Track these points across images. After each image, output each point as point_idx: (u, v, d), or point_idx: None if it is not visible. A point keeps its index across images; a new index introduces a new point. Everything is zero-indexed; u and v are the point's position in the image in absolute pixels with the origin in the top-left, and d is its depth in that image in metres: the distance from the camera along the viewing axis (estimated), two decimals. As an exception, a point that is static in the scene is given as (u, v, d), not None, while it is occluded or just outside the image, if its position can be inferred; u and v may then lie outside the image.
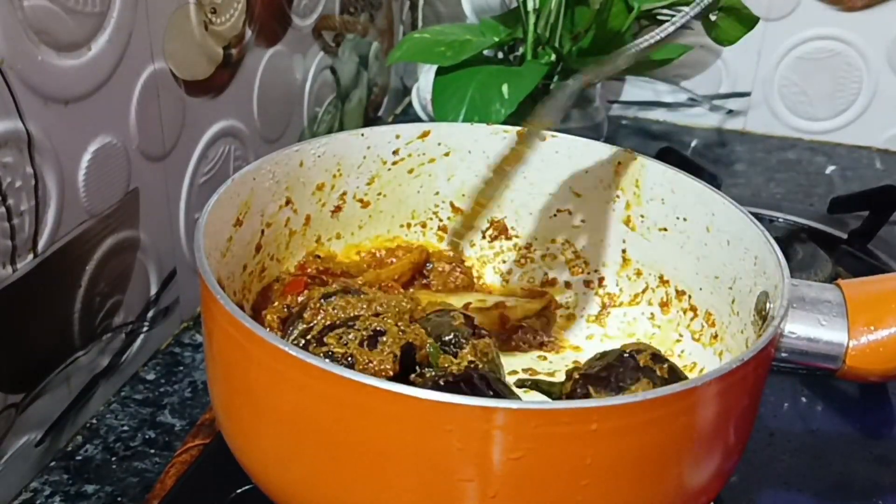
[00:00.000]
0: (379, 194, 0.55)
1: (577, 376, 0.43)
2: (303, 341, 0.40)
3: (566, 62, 0.76)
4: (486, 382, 0.39)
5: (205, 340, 0.40)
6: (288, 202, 0.50)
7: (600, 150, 0.53)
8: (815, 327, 0.39)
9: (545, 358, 0.53)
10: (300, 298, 0.46)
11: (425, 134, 0.54)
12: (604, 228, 0.54)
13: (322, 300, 0.42)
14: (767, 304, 0.40)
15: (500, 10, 0.84)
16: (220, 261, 0.44)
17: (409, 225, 0.56)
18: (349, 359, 0.38)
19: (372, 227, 0.56)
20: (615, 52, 0.47)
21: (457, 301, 0.52)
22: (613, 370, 0.42)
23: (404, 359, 0.39)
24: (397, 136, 0.53)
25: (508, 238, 0.57)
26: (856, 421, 0.57)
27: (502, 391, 0.39)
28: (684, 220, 0.49)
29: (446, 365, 0.40)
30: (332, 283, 0.46)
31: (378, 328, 0.39)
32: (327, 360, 0.33)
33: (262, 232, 0.49)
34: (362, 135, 0.52)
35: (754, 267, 0.43)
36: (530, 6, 0.74)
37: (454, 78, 0.72)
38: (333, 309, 0.42)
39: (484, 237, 0.57)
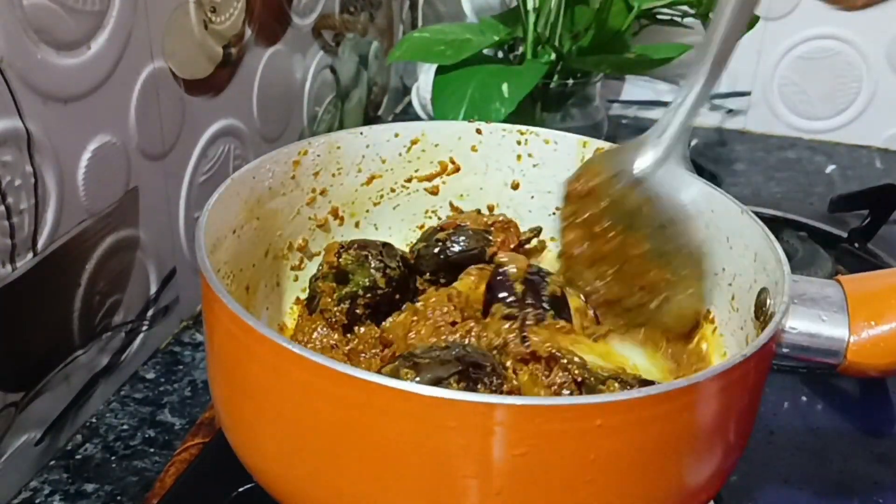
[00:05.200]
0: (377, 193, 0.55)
1: None
2: None
3: (566, 61, 0.76)
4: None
5: (205, 338, 0.40)
6: (289, 201, 0.50)
7: (599, 148, 0.53)
8: (816, 323, 0.39)
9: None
10: None
11: (424, 133, 0.54)
12: (604, 226, 0.54)
13: None
14: (768, 301, 0.40)
15: (500, 9, 0.84)
16: (221, 259, 0.44)
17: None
18: None
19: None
20: None
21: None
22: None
23: None
24: (396, 135, 0.53)
25: (508, 236, 0.56)
26: (856, 419, 0.57)
27: None
28: (683, 217, 0.49)
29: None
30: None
31: None
32: (328, 357, 0.33)
33: (263, 230, 0.49)
34: (361, 133, 0.52)
35: (754, 263, 0.43)
36: (530, 5, 0.74)
37: (454, 77, 0.72)
38: None
39: (483, 236, 0.57)
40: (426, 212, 0.56)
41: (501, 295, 0.47)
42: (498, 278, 0.48)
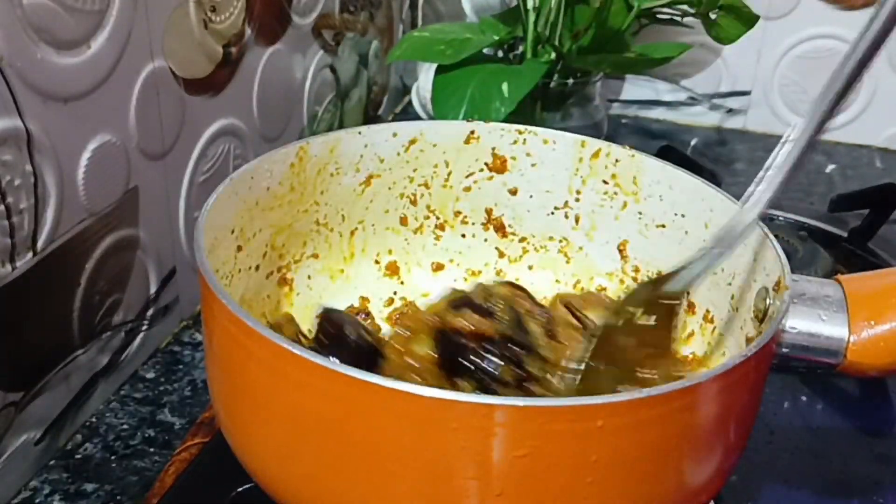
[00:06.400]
0: (376, 193, 0.54)
1: None
2: None
3: (566, 61, 0.76)
4: None
5: (205, 338, 0.40)
6: (288, 200, 0.50)
7: (598, 148, 0.53)
8: (816, 322, 0.39)
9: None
10: None
11: (422, 133, 0.54)
12: (602, 225, 0.54)
13: None
14: (767, 300, 0.40)
15: (500, 8, 0.84)
16: (220, 259, 0.44)
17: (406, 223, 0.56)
18: None
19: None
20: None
21: None
22: None
23: None
24: (394, 135, 0.53)
25: (505, 235, 0.56)
26: (856, 419, 0.57)
27: None
28: (682, 216, 0.49)
29: None
30: None
31: None
32: (328, 357, 0.33)
33: (262, 230, 0.49)
34: (359, 133, 0.52)
35: (753, 263, 0.43)
36: (530, 4, 0.74)
37: (454, 76, 0.72)
38: None
39: (483, 235, 0.57)
40: (423, 210, 0.56)
41: None
42: None
